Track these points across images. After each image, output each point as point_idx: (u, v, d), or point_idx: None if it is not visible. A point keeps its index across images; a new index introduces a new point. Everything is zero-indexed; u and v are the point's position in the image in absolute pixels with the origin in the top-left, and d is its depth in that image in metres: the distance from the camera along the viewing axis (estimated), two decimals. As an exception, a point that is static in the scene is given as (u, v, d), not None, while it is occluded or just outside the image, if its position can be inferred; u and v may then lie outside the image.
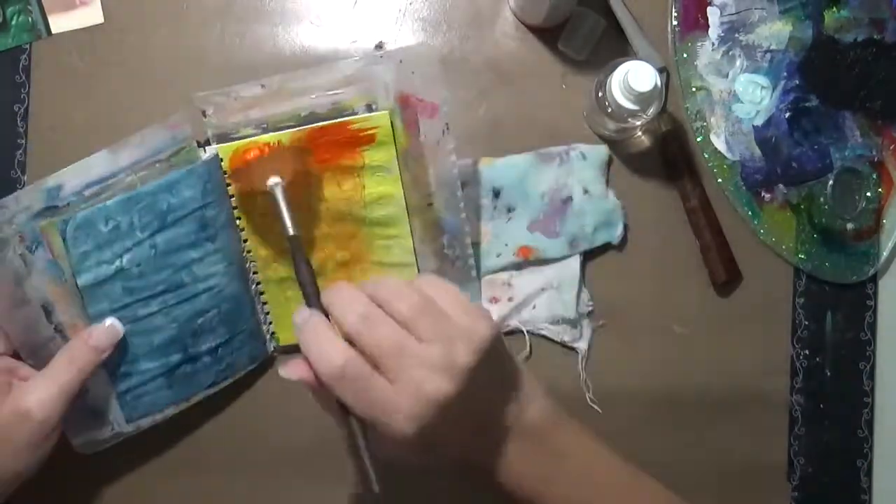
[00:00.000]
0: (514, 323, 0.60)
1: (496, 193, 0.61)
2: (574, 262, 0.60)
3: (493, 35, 0.63)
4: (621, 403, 0.60)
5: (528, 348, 0.60)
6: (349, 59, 0.52)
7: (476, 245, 0.60)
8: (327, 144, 0.53)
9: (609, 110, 0.56)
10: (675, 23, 0.62)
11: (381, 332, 0.40)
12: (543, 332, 0.60)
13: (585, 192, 0.60)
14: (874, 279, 0.62)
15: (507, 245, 0.60)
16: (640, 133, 0.62)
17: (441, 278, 0.44)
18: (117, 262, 0.53)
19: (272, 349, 0.60)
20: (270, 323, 0.60)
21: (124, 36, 0.63)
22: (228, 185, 0.56)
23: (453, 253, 0.57)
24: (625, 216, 0.61)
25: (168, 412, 0.57)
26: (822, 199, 0.61)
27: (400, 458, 0.43)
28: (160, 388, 0.56)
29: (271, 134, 0.54)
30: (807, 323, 0.62)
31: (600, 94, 0.56)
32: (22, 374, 0.52)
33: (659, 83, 0.53)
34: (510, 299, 0.60)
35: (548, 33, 0.62)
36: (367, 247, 0.57)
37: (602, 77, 0.56)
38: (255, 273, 0.58)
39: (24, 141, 0.62)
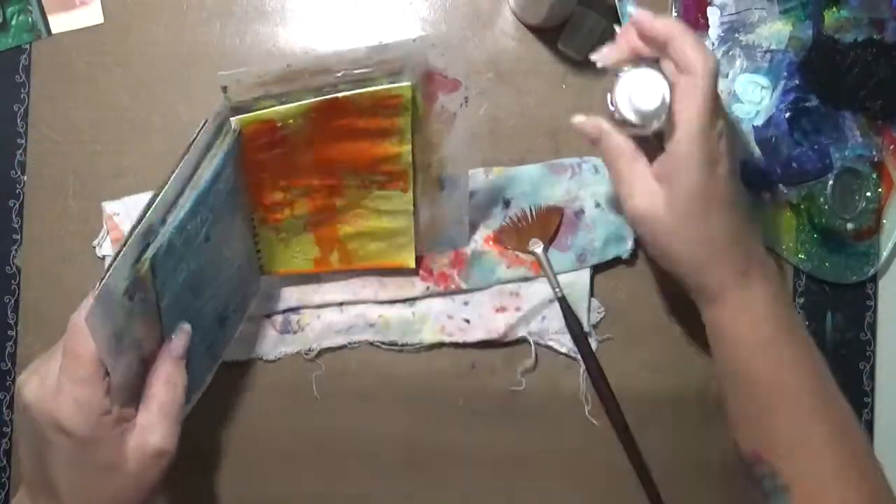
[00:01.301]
0: (521, 333, 0.60)
1: (506, 203, 0.61)
2: (584, 276, 0.60)
3: (492, 35, 0.63)
4: (621, 403, 0.60)
5: (533, 358, 0.60)
6: (382, 43, 0.50)
7: (486, 254, 0.60)
8: (343, 110, 0.52)
9: (616, 117, 0.52)
10: (675, 23, 0.62)
11: None
12: (550, 343, 0.60)
13: (597, 205, 0.60)
14: (874, 279, 0.62)
15: (517, 256, 0.60)
16: (651, 139, 0.60)
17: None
18: (186, 269, 0.50)
19: (261, 277, 0.60)
20: (260, 257, 0.59)
21: (124, 36, 0.63)
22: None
23: (450, 203, 0.58)
24: (635, 231, 0.60)
25: (208, 380, 0.58)
26: (822, 199, 0.61)
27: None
28: (203, 360, 0.56)
29: (286, 106, 0.51)
30: (807, 323, 0.62)
31: (610, 104, 0.52)
32: (126, 416, 0.47)
33: (667, 97, 0.49)
34: (518, 309, 0.60)
35: (548, 33, 0.62)
36: (364, 193, 0.57)
37: (608, 88, 0.52)
38: (251, 217, 0.57)
39: (24, 141, 0.62)
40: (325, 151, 0.55)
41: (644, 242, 0.53)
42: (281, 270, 0.60)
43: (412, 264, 0.59)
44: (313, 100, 0.52)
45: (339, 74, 0.51)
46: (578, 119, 0.53)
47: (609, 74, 0.52)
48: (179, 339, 0.50)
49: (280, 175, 0.55)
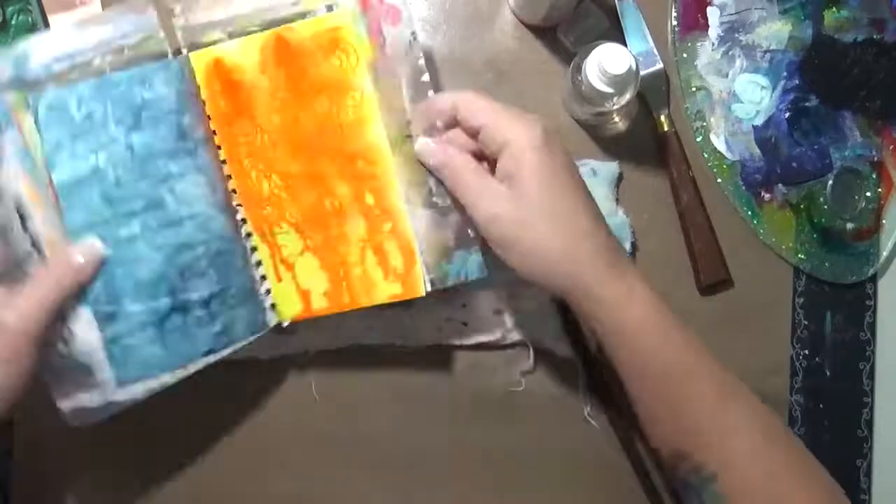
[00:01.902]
0: (519, 336, 0.60)
1: None
2: None
3: (492, 34, 0.63)
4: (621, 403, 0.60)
5: (531, 361, 0.60)
6: None
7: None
8: (294, 55, 0.53)
9: (585, 94, 0.56)
10: (674, 23, 0.62)
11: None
12: (547, 347, 0.60)
13: None
14: (874, 279, 0.62)
15: None
16: (616, 118, 0.61)
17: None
18: (92, 159, 0.50)
19: (273, 322, 0.56)
20: (268, 292, 0.56)
21: (124, 36, 0.63)
22: (203, 101, 0.54)
23: (443, 202, 0.53)
24: (633, 234, 0.61)
25: (164, 379, 0.53)
26: (821, 199, 0.61)
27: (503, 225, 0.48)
28: (151, 341, 0.52)
29: (237, 40, 0.53)
30: (807, 323, 0.62)
31: (577, 78, 0.56)
32: None
33: (634, 66, 0.53)
34: (515, 312, 0.60)
35: (548, 33, 0.62)
36: (353, 193, 0.54)
37: (578, 60, 0.56)
38: (243, 220, 0.55)
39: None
40: (289, 116, 0.53)
41: (508, 253, 0.48)
42: (299, 317, 0.56)
43: (422, 291, 0.54)
44: (258, 33, 0.52)
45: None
46: (421, 144, 0.51)
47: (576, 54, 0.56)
48: (82, 247, 0.49)
49: (256, 154, 0.54)
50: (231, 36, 0.53)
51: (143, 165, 0.51)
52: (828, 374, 0.61)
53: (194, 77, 0.53)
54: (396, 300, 0.54)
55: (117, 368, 0.52)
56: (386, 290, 0.54)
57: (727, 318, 0.61)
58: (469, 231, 0.53)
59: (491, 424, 0.61)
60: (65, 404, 0.52)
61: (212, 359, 0.54)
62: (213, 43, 0.53)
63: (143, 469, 0.61)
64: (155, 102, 0.51)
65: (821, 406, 0.61)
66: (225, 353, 0.54)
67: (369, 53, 0.52)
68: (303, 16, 0.53)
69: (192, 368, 0.53)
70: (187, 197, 0.52)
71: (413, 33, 0.52)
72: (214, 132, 0.54)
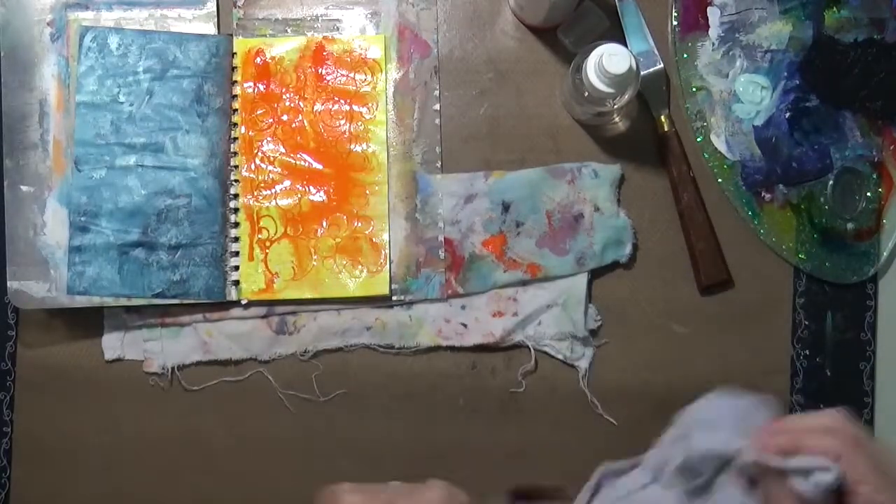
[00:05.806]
0: (518, 338, 0.60)
1: (505, 207, 0.60)
2: (581, 280, 0.60)
3: (493, 35, 0.62)
4: (622, 403, 0.60)
5: (532, 362, 0.60)
6: None
7: (484, 259, 0.60)
8: (328, 62, 0.59)
9: (585, 94, 0.55)
10: (675, 23, 0.62)
11: None
12: (546, 349, 0.60)
13: (596, 209, 0.60)
14: (874, 279, 0.62)
15: (514, 261, 0.60)
16: (616, 118, 0.61)
17: None
18: (115, 91, 0.58)
19: (233, 297, 0.59)
20: (236, 268, 0.59)
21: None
22: (235, 82, 0.60)
23: (423, 220, 0.59)
24: (634, 235, 0.61)
25: (107, 300, 0.58)
26: (822, 199, 0.61)
27: None
28: (110, 264, 0.57)
29: (283, 38, 0.60)
30: (807, 323, 0.62)
31: (577, 78, 0.56)
32: None
33: (634, 65, 0.53)
34: (515, 314, 0.60)
35: (548, 33, 0.62)
36: (343, 195, 0.59)
37: (578, 60, 0.56)
38: (234, 195, 0.59)
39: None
40: (307, 115, 0.59)
41: None
42: (258, 297, 0.59)
43: (387, 291, 0.59)
44: (303, 37, 0.60)
45: (327, 8, 0.60)
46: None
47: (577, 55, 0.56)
48: None
49: (268, 141, 0.59)
50: (278, 34, 0.60)
51: (155, 111, 0.58)
52: (828, 374, 0.61)
53: (232, 57, 0.59)
54: (360, 296, 0.59)
55: (72, 277, 0.57)
56: (352, 286, 0.59)
57: (727, 318, 0.61)
58: (440, 253, 0.59)
59: (491, 424, 0.60)
60: (13, 284, 0.58)
61: (157, 302, 0.58)
62: (262, 36, 0.60)
63: (142, 468, 0.61)
64: (183, 63, 0.58)
65: (821, 406, 0.61)
66: (173, 301, 0.58)
67: (395, 73, 0.60)
68: (346, 31, 0.60)
69: (137, 302, 0.58)
70: (186, 151, 0.58)
71: (435, 68, 0.60)
72: (235, 110, 0.59)
